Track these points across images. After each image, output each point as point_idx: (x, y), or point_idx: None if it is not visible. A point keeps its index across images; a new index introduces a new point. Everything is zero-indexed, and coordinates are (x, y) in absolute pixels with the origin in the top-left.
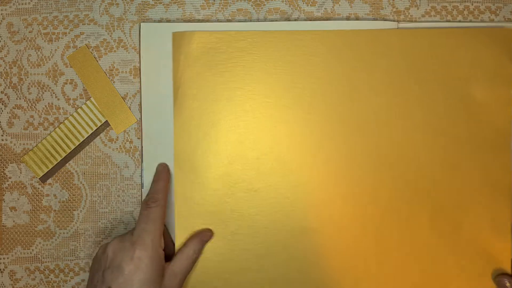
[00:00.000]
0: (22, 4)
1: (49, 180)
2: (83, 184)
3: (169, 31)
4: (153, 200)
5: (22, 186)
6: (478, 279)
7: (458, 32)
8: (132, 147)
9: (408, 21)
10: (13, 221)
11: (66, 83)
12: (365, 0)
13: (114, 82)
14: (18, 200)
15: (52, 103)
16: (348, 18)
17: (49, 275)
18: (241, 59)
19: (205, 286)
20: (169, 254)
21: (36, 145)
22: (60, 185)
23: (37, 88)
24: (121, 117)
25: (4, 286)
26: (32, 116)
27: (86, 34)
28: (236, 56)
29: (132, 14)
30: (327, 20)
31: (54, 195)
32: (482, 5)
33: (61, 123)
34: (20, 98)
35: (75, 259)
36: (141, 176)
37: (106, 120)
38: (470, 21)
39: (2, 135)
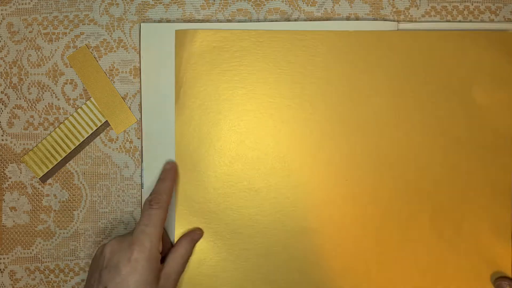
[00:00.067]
0: (22, 4)
1: (49, 180)
2: (83, 184)
3: (169, 31)
4: (156, 201)
5: (22, 186)
6: (478, 281)
7: (459, 35)
8: (132, 147)
9: (408, 21)
10: (13, 221)
11: (66, 83)
12: (365, 0)
13: (114, 82)
14: (18, 200)
15: (52, 103)
16: (348, 18)
17: (49, 275)
18: (243, 59)
19: (205, 287)
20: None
21: (36, 145)
22: (60, 185)
23: (37, 88)
24: (121, 117)
25: (4, 286)
26: (32, 116)
27: (86, 34)
28: (239, 55)
29: (132, 14)
30: (327, 20)
31: (54, 195)
32: (482, 5)
33: (61, 123)
34: (20, 98)
35: (75, 259)
36: (141, 176)
37: (106, 120)
38: (470, 21)
39: (2, 135)
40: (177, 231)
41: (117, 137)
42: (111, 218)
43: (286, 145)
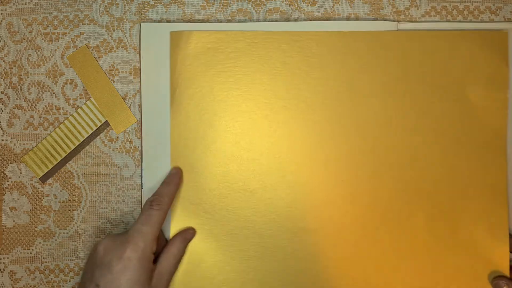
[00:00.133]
0: (22, 4)
1: (49, 180)
2: (83, 184)
3: (169, 31)
4: (157, 203)
5: (22, 186)
6: (476, 281)
7: (454, 35)
8: (132, 147)
9: (408, 21)
10: (13, 221)
11: (66, 83)
12: (365, 0)
13: (114, 82)
14: (18, 200)
15: (52, 103)
16: (348, 18)
17: (49, 275)
18: (238, 60)
19: None
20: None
21: (36, 145)
22: (60, 185)
23: (37, 88)
24: (121, 117)
25: (4, 286)
26: (32, 116)
27: (86, 34)
28: (234, 56)
29: (132, 14)
30: (327, 20)
31: (54, 195)
32: (482, 5)
33: (61, 123)
34: (20, 98)
35: (75, 259)
36: (141, 176)
37: (106, 120)
38: (470, 21)
39: (2, 135)
40: (172, 232)
41: (117, 137)
42: (111, 218)
43: (282, 146)
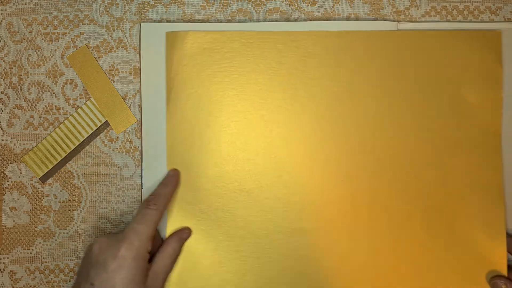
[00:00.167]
0: (22, 4)
1: (49, 180)
2: (83, 184)
3: (169, 30)
4: (154, 202)
5: (22, 186)
6: (473, 281)
7: (448, 35)
8: (132, 147)
9: (408, 21)
10: (13, 221)
11: (66, 83)
12: (365, 0)
13: (114, 82)
14: (18, 200)
15: (52, 103)
16: (348, 18)
17: (49, 275)
18: (234, 60)
19: None
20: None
21: (36, 145)
22: (60, 185)
23: (37, 88)
24: (121, 117)
25: (4, 286)
26: (32, 116)
27: (86, 34)
28: (229, 56)
29: (132, 14)
30: (327, 20)
31: (54, 195)
32: (482, 5)
33: (61, 123)
34: (20, 98)
35: (75, 259)
36: (141, 176)
37: (106, 120)
38: (470, 21)
39: (2, 135)
40: (169, 232)
41: (117, 137)
42: (111, 218)
43: (277, 146)
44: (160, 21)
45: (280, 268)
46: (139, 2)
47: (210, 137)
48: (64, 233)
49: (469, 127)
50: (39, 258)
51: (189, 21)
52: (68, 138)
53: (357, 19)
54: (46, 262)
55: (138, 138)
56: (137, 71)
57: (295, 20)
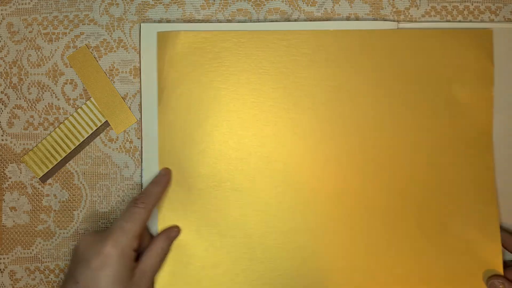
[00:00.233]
0: (22, 4)
1: (49, 180)
2: (83, 184)
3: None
4: (142, 201)
5: (22, 186)
6: (470, 281)
7: (439, 34)
8: (132, 147)
9: (408, 21)
10: (13, 221)
11: (66, 83)
12: (365, 0)
13: (114, 82)
14: (18, 200)
15: (52, 103)
16: (348, 18)
17: (49, 275)
18: (225, 59)
19: None
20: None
21: (36, 145)
22: (60, 185)
23: (37, 88)
24: (121, 117)
25: (4, 286)
26: (32, 116)
27: (86, 34)
28: (221, 56)
29: (132, 14)
30: (327, 20)
31: (54, 195)
32: (482, 5)
33: (61, 123)
34: (20, 98)
35: None
36: (141, 176)
37: (106, 120)
38: (470, 21)
39: (2, 135)
40: (159, 232)
41: (117, 137)
42: (111, 218)
43: (270, 145)
44: (160, 21)
45: (273, 269)
46: (139, 2)
47: (202, 137)
48: (64, 233)
49: (461, 126)
50: (39, 258)
51: (189, 21)
52: (68, 138)
53: (357, 19)
54: (46, 262)
55: (138, 138)
56: (137, 71)
57: (295, 20)
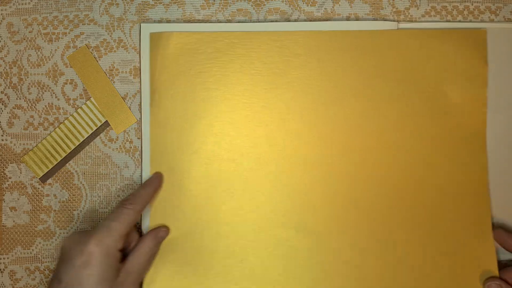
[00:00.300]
0: (22, 4)
1: (49, 180)
2: (83, 184)
3: (169, 31)
4: (130, 202)
5: (22, 186)
6: (467, 283)
7: (433, 34)
8: (132, 147)
9: (408, 21)
10: (13, 221)
11: (66, 83)
12: (365, 0)
13: (114, 82)
14: (18, 200)
15: (52, 103)
16: (348, 18)
17: (49, 275)
18: (218, 60)
19: None
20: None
21: (36, 145)
22: (60, 185)
23: (37, 88)
24: (121, 117)
25: (4, 286)
26: (32, 116)
27: (86, 34)
28: (213, 57)
29: (132, 14)
30: (327, 20)
31: (54, 195)
32: (482, 5)
33: (61, 123)
34: (20, 98)
35: None
36: (141, 176)
37: (106, 120)
38: (470, 21)
39: (2, 135)
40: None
41: (117, 137)
42: None
43: (262, 146)
44: (160, 21)
45: (267, 269)
46: (139, 2)
47: (195, 138)
48: (64, 233)
49: (454, 126)
50: (39, 258)
51: (189, 21)
52: (68, 138)
53: (357, 19)
54: (46, 262)
55: (138, 138)
56: (137, 71)
57: (295, 20)
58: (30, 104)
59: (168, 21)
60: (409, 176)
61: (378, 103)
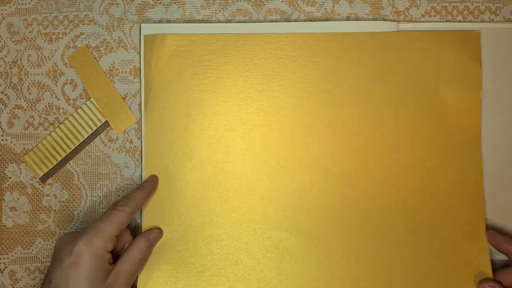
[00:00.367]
0: (22, 4)
1: (49, 180)
2: (83, 184)
3: (169, 31)
4: (122, 204)
5: (22, 186)
6: (459, 283)
7: (427, 36)
8: (132, 147)
9: (408, 21)
10: (13, 221)
11: (66, 83)
12: (365, 0)
13: (114, 82)
14: (18, 200)
15: (52, 103)
16: (348, 18)
17: None
18: (212, 62)
19: None
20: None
21: (36, 145)
22: (60, 185)
23: (37, 88)
24: (121, 117)
25: (4, 286)
26: (32, 116)
27: (86, 34)
28: (207, 59)
29: (132, 14)
30: (327, 20)
31: (54, 195)
32: (482, 5)
33: (61, 123)
34: (20, 98)
35: None
36: (141, 176)
37: (106, 120)
38: (470, 21)
39: (2, 135)
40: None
41: (117, 137)
42: None
43: (256, 148)
44: (160, 21)
45: (262, 272)
46: (139, 2)
47: (189, 140)
48: (64, 233)
49: (449, 128)
50: (39, 258)
51: (189, 21)
52: (68, 138)
53: (357, 19)
54: (46, 262)
55: (138, 138)
56: (137, 71)
57: (295, 20)
58: (30, 104)
59: (168, 21)
60: (403, 177)
61: (375, 105)
